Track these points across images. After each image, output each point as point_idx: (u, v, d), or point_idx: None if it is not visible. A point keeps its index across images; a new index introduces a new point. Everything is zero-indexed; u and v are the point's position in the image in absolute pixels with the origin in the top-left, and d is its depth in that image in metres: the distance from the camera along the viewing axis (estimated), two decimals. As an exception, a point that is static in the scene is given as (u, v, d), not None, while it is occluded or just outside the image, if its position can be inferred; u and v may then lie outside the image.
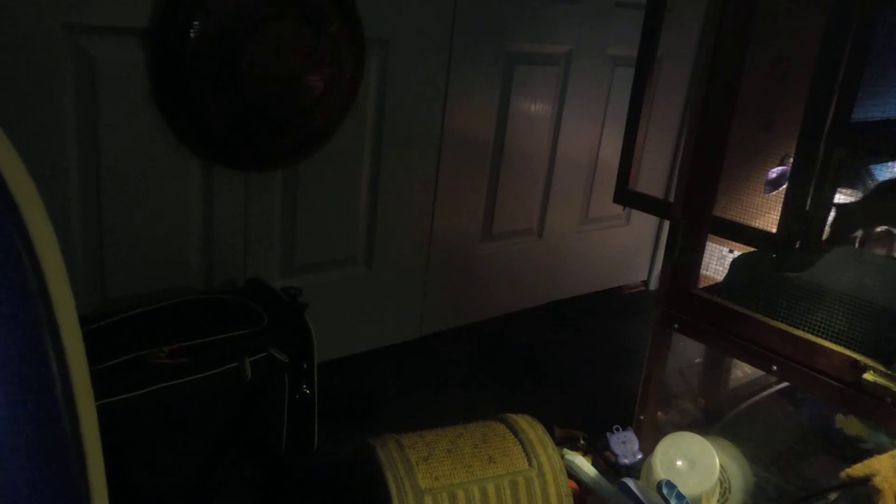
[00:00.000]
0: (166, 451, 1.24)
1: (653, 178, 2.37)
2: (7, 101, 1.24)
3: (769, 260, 1.37)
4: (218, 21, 1.36)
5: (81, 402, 0.37)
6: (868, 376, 1.06)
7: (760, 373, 1.40)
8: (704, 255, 1.33)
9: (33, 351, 0.35)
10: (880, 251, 1.40)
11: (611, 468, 1.35)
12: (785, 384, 1.48)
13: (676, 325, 1.33)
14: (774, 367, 1.20)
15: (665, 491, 1.14)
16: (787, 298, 1.22)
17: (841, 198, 1.38)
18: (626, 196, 1.61)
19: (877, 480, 0.98)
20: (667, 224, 1.37)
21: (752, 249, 1.45)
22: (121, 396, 1.14)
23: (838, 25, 1.27)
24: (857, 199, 1.41)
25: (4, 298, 0.34)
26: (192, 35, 1.34)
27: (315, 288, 1.68)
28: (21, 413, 0.35)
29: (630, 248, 2.54)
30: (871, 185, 1.41)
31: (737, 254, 1.44)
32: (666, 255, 1.33)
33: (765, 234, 1.41)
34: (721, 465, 1.24)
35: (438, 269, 2.01)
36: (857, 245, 1.40)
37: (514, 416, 1.23)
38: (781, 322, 1.19)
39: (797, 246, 1.37)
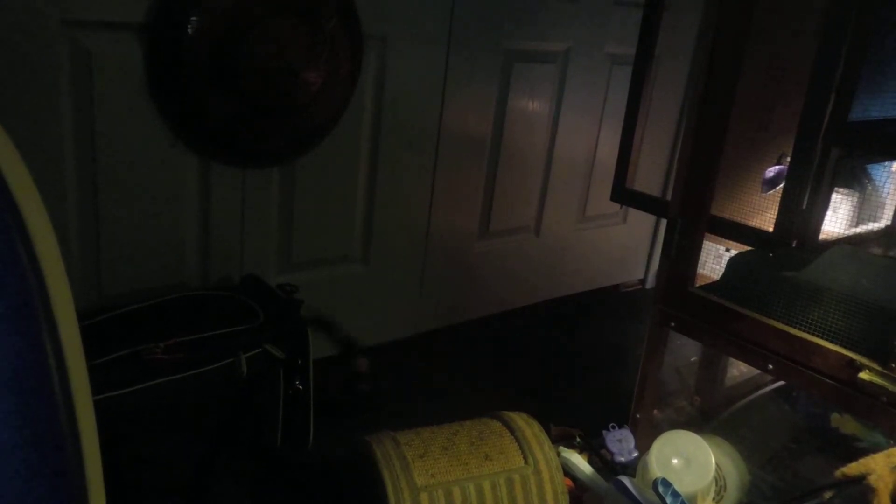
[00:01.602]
0: (162, 447, 1.24)
1: (650, 176, 2.37)
2: (3, 96, 1.24)
3: (766, 259, 1.38)
4: (215, 17, 1.35)
5: (79, 398, 0.37)
6: (864, 375, 1.06)
7: (756, 371, 1.40)
8: (701, 253, 1.33)
9: (31, 346, 0.35)
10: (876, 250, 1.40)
11: (606, 466, 1.35)
12: (781, 383, 1.48)
13: (673, 324, 1.33)
14: (770, 366, 1.20)
15: (661, 489, 1.14)
16: (783, 297, 1.22)
17: (837, 197, 1.38)
18: (624, 194, 1.61)
19: (872, 479, 0.98)
20: (664, 222, 1.37)
21: (749, 248, 1.45)
22: (117, 392, 1.14)
23: (836, 24, 1.26)
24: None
25: (2, 294, 0.34)
26: (189, 31, 1.33)
27: (312, 285, 1.68)
28: (18, 408, 0.35)
29: (627, 247, 2.55)
30: (868, 184, 1.41)
31: (733, 252, 1.44)
32: (663, 254, 1.33)
33: (762, 233, 1.41)
34: (716, 464, 1.25)
35: (435, 266, 2.00)
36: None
37: (510, 413, 1.24)
38: (778, 321, 1.20)
39: (794, 245, 1.37)
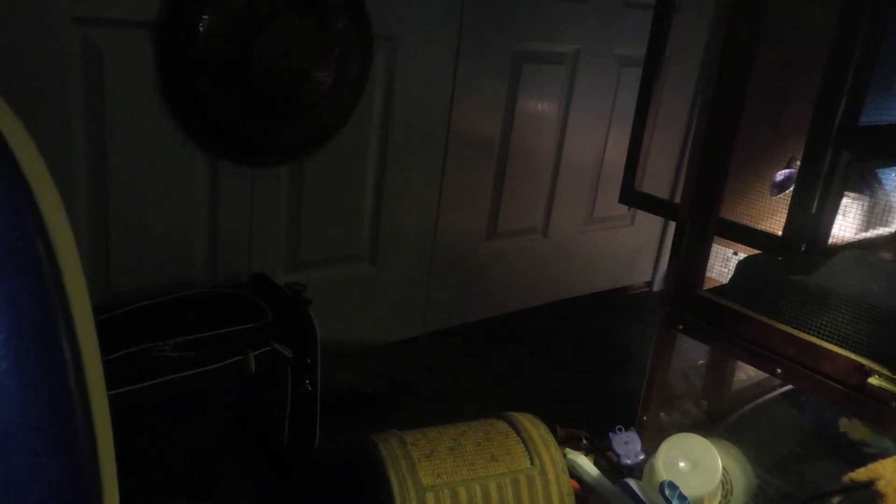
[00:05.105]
0: (170, 443, 1.24)
1: (659, 178, 2.37)
2: (15, 94, 1.24)
3: (775, 262, 1.37)
4: (227, 16, 1.36)
5: (94, 392, 0.37)
6: (873, 380, 1.06)
7: (764, 375, 1.40)
8: (709, 256, 1.32)
9: (48, 339, 0.35)
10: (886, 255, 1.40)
11: (613, 468, 1.35)
12: (789, 387, 1.48)
13: (681, 327, 1.33)
14: (779, 370, 1.20)
15: (667, 492, 1.14)
16: (792, 301, 1.21)
17: (847, 201, 1.38)
18: (632, 196, 1.61)
19: (880, 485, 0.98)
20: (672, 225, 1.37)
21: (757, 252, 1.45)
22: (125, 388, 1.14)
23: (847, 28, 1.26)
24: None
25: (20, 286, 0.34)
26: (200, 29, 1.34)
27: (319, 284, 1.68)
28: (34, 401, 0.35)
29: (635, 249, 2.54)
30: (878, 188, 1.41)
31: (741, 256, 1.44)
32: (671, 257, 1.33)
33: (771, 237, 1.41)
34: (723, 467, 1.24)
35: (442, 266, 2.01)
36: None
37: (516, 414, 1.24)
38: (786, 325, 1.19)
39: (803, 249, 1.37)
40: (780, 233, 1.39)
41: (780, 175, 1.45)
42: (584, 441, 1.42)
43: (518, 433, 1.18)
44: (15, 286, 0.34)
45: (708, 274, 1.35)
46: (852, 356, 1.10)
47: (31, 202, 0.34)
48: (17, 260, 0.34)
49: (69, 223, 0.37)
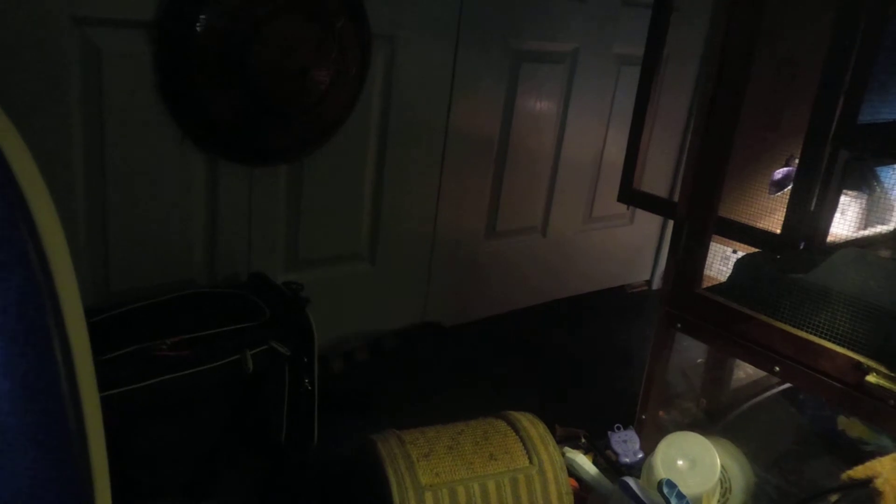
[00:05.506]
0: (168, 443, 1.24)
1: (657, 177, 2.37)
2: (13, 93, 1.24)
3: (773, 261, 1.37)
4: (225, 15, 1.36)
5: (86, 394, 0.37)
6: (871, 378, 1.06)
7: (763, 373, 1.40)
8: (708, 255, 1.32)
9: (38, 340, 0.35)
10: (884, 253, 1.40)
11: (611, 467, 1.35)
12: (787, 385, 1.48)
13: (679, 325, 1.33)
14: (777, 368, 1.20)
15: (665, 490, 1.14)
16: (790, 299, 1.21)
17: (845, 199, 1.38)
18: (631, 195, 1.61)
19: (878, 482, 0.98)
20: (671, 223, 1.37)
21: (756, 250, 1.45)
22: (123, 388, 1.14)
23: (846, 26, 1.26)
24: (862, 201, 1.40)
25: (11, 289, 0.34)
26: (198, 28, 1.34)
27: (318, 283, 1.69)
28: (26, 404, 0.35)
29: (634, 248, 2.54)
30: (877, 186, 1.41)
31: (740, 254, 1.44)
32: (670, 255, 1.33)
33: (769, 235, 1.41)
34: (722, 466, 1.24)
35: (442, 266, 2.01)
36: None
37: (515, 413, 1.24)
38: (785, 323, 1.19)
39: (801, 247, 1.37)
40: (778, 231, 1.39)
41: (779, 173, 1.44)
42: (583, 440, 1.42)
43: (517, 432, 1.18)
44: (5, 288, 0.34)
45: (707, 272, 1.35)
46: (850, 354, 1.10)
47: (23, 205, 0.34)
48: (8, 262, 0.34)
49: (61, 226, 0.37)
